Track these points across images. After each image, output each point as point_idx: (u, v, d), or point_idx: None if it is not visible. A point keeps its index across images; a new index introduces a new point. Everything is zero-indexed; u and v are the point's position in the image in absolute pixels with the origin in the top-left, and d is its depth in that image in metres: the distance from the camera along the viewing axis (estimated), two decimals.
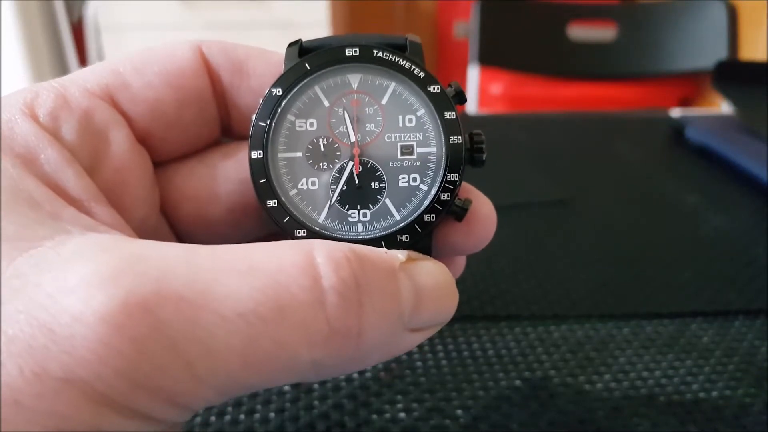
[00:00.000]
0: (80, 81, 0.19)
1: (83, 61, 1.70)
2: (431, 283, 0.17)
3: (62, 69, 1.70)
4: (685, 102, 1.47)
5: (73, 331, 0.12)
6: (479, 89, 1.26)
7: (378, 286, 0.15)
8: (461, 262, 0.23)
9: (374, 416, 0.25)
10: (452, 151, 0.19)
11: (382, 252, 0.17)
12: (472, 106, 1.29)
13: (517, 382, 0.27)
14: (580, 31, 1.27)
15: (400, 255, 0.17)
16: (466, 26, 1.87)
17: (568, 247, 0.39)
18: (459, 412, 0.25)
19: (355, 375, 0.27)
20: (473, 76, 1.24)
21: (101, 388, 0.13)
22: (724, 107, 0.85)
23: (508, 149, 0.58)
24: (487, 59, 1.22)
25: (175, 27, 1.58)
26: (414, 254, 0.18)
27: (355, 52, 0.19)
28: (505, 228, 0.41)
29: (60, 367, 0.12)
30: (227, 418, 0.25)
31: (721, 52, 1.15)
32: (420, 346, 0.29)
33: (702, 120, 0.62)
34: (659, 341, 0.30)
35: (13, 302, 0.13)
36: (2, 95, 0.18)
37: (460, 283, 0.34)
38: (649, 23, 1.24)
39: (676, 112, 0.69)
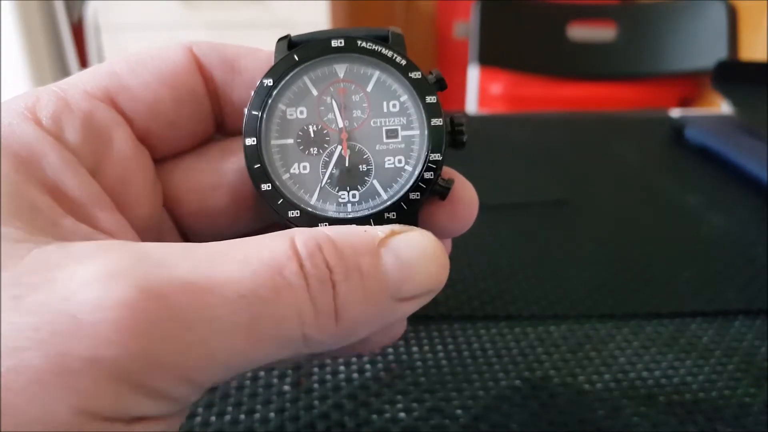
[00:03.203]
0: (79, 84, 0.19)
1: (83, 61, 1.70)
2: (415, 251, 0.18)
3: (62, 69, 1.70)
4: (684, 102, 1.47)
5: (95, 317, 0.14)
6: (479, 89, 1.26)
7: (354, 266, 0.17)
8: (447, 246, 0.24)
9: (374, 416, 0.25)
10: (434, 132, 0.20)
11: (360, 231, 0.17)
12: (472, 106, 1.29)
13: (517, 382, 0.27)
14: (579, 32, 1.27)
15: (380, 232, 0.18)
16: (466, 26, 1.87)
17: (568, 247, 0.39)
18: (459, 412, 0.25)
19: (356, 375, 0.27)
20: (473, 76, 1.24)
21: (124, 366, 0.14)
22: (724, 107, 0.85)
23: (508, 149, 0.58)
24: (487, 59, 1.22)
25: (175, 27, 1.58)
26: (398, 227, 0.18)
27: (341, 43, 0.20)
28: (505, 228, 0.42)
29: (85, 349, 0.13)
30: (227, 417, 0.25)
31: (720, 53, 1.15)
32: (420, 346, 0.29)
33: (702, 120, 0.62)
34: (659, 341, 0.30)
35: (33, 295, 0.14)
36: (2, 100, 0.18)
37: (461, 282, 0.35)
38: (649, 23, 1.24)
39: (675, 113, 0.69)
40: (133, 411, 0.14)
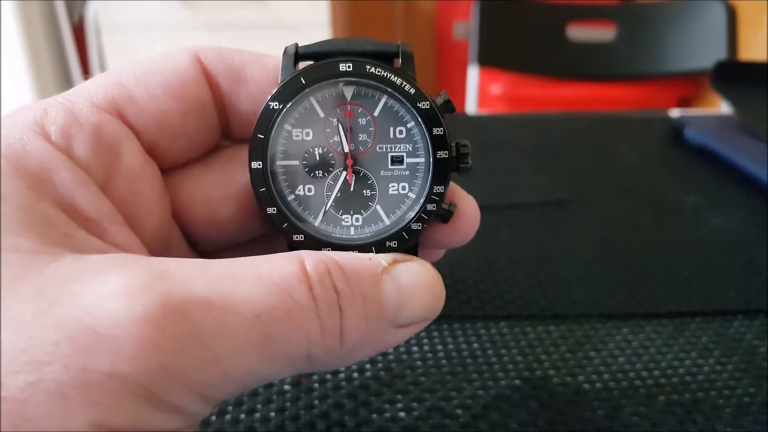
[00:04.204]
0: (86, 95, 0.19)
1: (84, 61, 1.70)
2: (414, 282, 0.18)
3: (63, 69, 1.70)
4: (684, 102, 1.47)
5: (118, 332, 0.14)
6: (479, 89, 1.26)
7: (358, 291, 0.17)
8: (441, 251, 0.24)
9: (374, 415, 0.25)
10: (438, 165, 0.20)
11: (365, 259, 0.18)
12: (472, 107, 1.29)
13: (517, 382, 0.27)
14: (579, 32, 1.27)
15: (383, 260, 0.18)
16: (466, 26, 1.87)
17: (568, 247, 0.39)
18: (459, 411, 0.25)
19: (356, 374, 0.27)
20: (473, 76, 1.24)
21: (144, 382, 0.14)
22: (723, 107, 0.85)
23: (508, 149, 0.58)
24: (486, 60, 1.22)
25: (176, 27, 1.58)
26: (399, 256, 0.19)
27: (349, 67, 0.20)
28: (505, 228, 0.42)
29: (106, 364, 0.14)
30: (228, 417, 0.25)
31: (720, 53, 1.15)
32: (420, 346, 0.29)
33: (701, 120, 0.62)
34: (658, 341, 0.30)
35: (54, 310, 0.14)
36: (10, 112, 0.18)
37: (461, 282, 0.35)
38: (649, 23, 1.24)
39: (675, 113, 0.69)
40: (147, 425, 0.14)
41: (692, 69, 1.21)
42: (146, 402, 0.14)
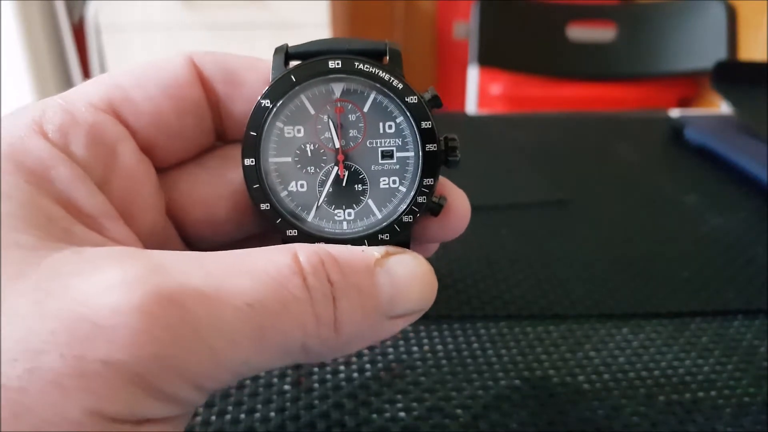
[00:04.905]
0: (84, 96, 0.20)
1: (84, 61, 1.70)
2: (408, 274, 0.19)
3: (63, 69, 1.70)
4: (684, 102, 1.47)
5: (114, 322, 0.14)
6: (479, 89, 1.26)
7: (353, 283, 0.18)
8: (434, 246, 0.25)
9: (374, 415, 0.25)
10: (428, 157, 0.21)
11: (358, 251, 0.18)
12: (472, 107, 1.29)
13: (517, 382, 0.27)
14: (579, 32, 1.27)
15: (376, 252, 0.19)
16: (466, 26, 1.87)
17: (567, 247, 0.39)
18: (459, 411, 0.25)
19: (356, 374, 0.27)
20: (473, 76, 1.24)
21: (139, 370, 0.14)
22: (723, 107, 0.85)
23: (508, 149, 0.58)
24: (486, 60, 1.22)
25: (176, 27, 1.58)
26: (392, 249, 0.19)
27: (338, 64, 0.20)
28: (505, 228, 0.42)
29: (102, 353, 0.14)
30: (228, 417, 0.25)
31: (720, 53, 1.15)
32: (420, 346, 0.29)
33: (701, 120, 0.62)
34: (658, 341, 0.30)
35: (51, 301, 0.14)
36: (9, 113, 0.19)
37: (461, 282, 0.35)
38: (649, 23, 1.24)
39: (675, 113, 0.69)
40: (143, 413, 0.15)
41: (692, 69, 1.21)
42: (141, 390, 0.14)
